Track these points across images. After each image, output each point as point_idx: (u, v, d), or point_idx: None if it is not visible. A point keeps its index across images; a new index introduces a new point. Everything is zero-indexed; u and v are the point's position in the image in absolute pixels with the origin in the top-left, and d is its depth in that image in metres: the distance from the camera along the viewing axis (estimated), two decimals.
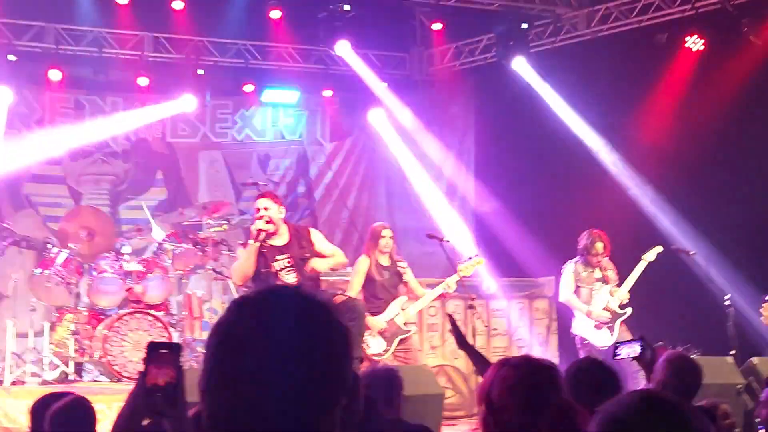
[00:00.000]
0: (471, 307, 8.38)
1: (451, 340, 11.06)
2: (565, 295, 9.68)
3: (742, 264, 10.69)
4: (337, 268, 8.43)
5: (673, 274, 10.54)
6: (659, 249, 9.64)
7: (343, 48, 12.07)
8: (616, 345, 4.97)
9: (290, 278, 7.88)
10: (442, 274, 9.90)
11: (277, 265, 7.90)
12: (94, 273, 10.28)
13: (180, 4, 11.54)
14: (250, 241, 7.89)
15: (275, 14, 11.86)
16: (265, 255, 7.93)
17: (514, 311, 11.46)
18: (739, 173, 11.36)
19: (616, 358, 5.02)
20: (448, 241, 8.76)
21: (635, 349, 4.87)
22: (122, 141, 12.93)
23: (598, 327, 9.47)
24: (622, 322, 9.52)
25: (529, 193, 12.35)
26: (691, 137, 11.36)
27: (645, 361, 4.83)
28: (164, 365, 2.43)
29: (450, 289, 9.25)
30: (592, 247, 9.56)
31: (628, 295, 9.56)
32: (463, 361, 11.06)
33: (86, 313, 10.24)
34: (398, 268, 9.21)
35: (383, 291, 9.02)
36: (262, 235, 7.86)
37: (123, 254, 10.45)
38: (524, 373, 2.92)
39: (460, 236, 12.06)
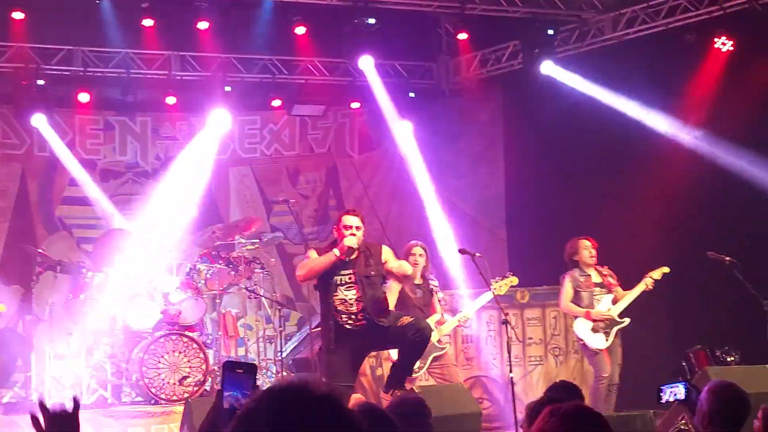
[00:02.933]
0: (505, 322, 8.35)
1: (486, 350, 11.10)
2: (564, 303, 9.95)
3: None
4: (400, 275, 8.20)
5: (712, 278, 10.47)
6: (666, 270, 9.73)
7: (366, 63, 12.08)
8: (660, 388, 4.85)
9: (350, 294, 7.82)
10: (475, 285, 9.90)
11: (338, 279, 7.85)
12: (129, 296, 10.31)
13: (205, 24, 11.57)
14: (335, 251, 7.80)
15: (300, 30, 11.85)
16: (330, 266, 7.90)
17: (548, 319, 11.42)
18: None
19: (661, 402, 4.91)
20: (480, 256, 8.72)
21: (680, 391, 4.74)
22: (153, 160, 12.99)
23: (594, 330, 9.66)
24: (618, 337, 9.73)
25: (561, 199, 12.28)
26: (722, 138, 11.26)
27: (691, 403, 4.72)
28: (240, 385, 2.49)
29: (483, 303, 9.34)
30: (575, 249, 9.85)
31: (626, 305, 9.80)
32: (499, 371, 11.04)
33: (122, 336, 10.29)
34: (431, 287, 9.24)
35: (416, 309, 9.01)
36: (352, 253, 7.80)
37: (156, 276, 10.48)
38: (574, 426, 2.89)
39: (491, 247, 12.02)
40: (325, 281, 7.89)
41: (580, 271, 9.85)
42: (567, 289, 9.85)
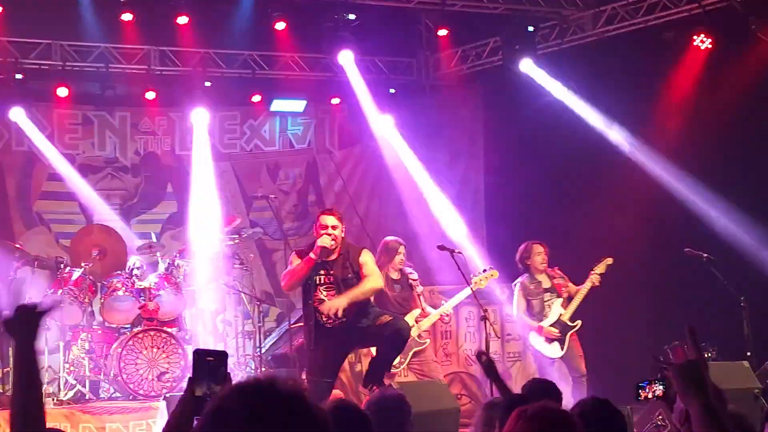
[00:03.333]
0: (484, 318, 8.37)
1: (465, 347, 11.12)
2: (517, 313, 10.06)
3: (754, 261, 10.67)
4: (369, 295, 8.13)
5: (689, 275, 10.51)
6: (609, 261, 9.77)
7: (346, 59, 12.06)
8: (638, 384, 4.86)
9: (328, 294, 7.86)
10: (455, 281, 9.90)
11: (318, 279, 7.89)
12: (107, 291, 10.30)
13: (184, 19, 11.50)
14: (312, 255, 7.84)
15: (280, 26, 11.82)
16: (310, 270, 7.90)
17: None
18: (747, 171, 11.30)
19: (639, 398, 4.91)
20: (459, 252, 8.73)
21: (659, 388, 4.74)
22: (132, 155, 12.93)
23: (548, 340, 9.77)
24: (572, 334, 9.81)
25: (540, 195, 12.32)
26: (699, 136, 11.31)
27: (670, 399, 4.72)
28: (210, 373, 2.52)
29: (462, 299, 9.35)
30: (528, 253, 9.89)
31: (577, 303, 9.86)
32: (478, 367, 11.06)
33: (100, 332, 10.25)
34: (410, 281, 9.25)
35: (395, 305, 9.03)
36: (327, 254, 7.81)
37: (135, 272, 10.46)
38: (542, 427, 2.90)
39: (471, 243, 12.03)
40: (306, 281, 7.93)
41: (530, 277, 9.93)
42: (518, 299, 9.95)
